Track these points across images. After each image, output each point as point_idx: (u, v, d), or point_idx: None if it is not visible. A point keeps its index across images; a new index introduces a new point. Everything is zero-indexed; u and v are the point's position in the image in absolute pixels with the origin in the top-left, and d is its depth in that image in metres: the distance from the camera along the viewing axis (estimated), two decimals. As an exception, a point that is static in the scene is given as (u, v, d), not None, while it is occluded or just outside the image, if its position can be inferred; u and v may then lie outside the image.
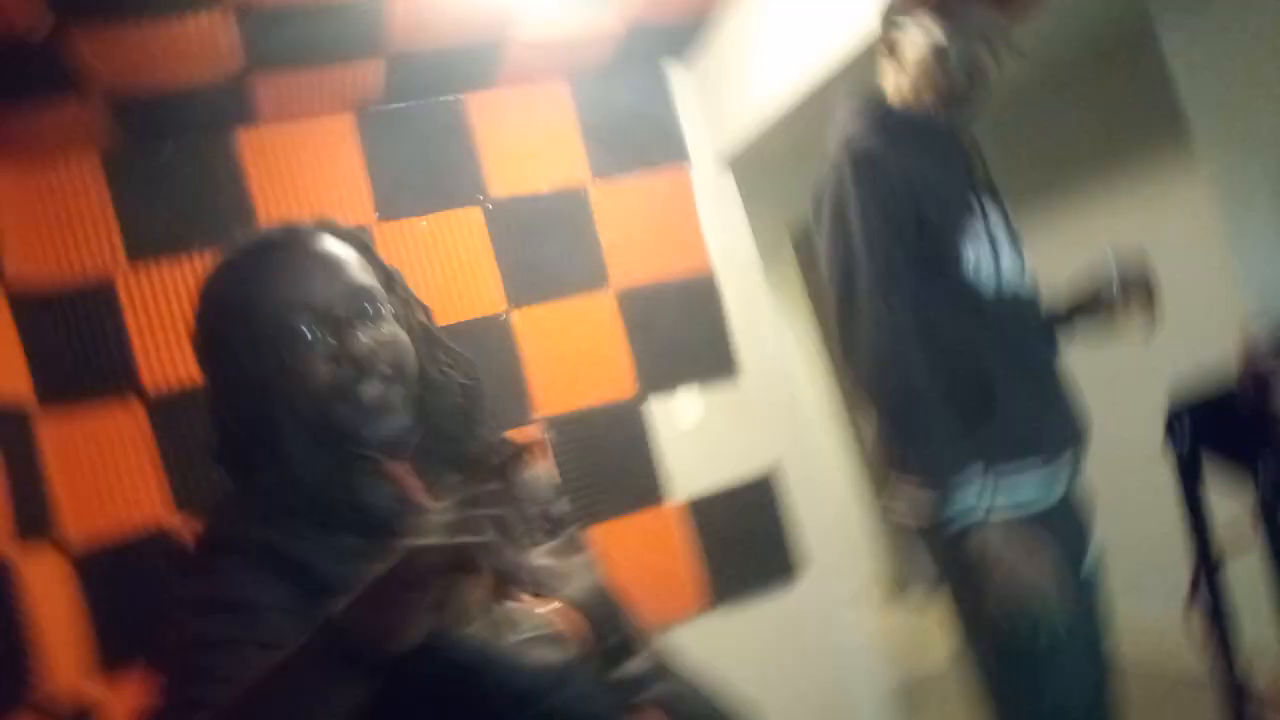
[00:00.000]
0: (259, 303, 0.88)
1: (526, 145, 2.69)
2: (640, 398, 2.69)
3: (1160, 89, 2.43)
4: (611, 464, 2.63)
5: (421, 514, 0.88)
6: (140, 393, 2.26)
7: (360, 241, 0.97)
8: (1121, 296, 1.37)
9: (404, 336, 0.93)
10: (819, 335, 4.82)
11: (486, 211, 2.62)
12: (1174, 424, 0.44)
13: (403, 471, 0.91)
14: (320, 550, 0.82)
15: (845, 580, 2.89)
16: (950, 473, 1.25)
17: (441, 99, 2.61)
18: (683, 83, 2.90)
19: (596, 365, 2.66)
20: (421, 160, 2.56)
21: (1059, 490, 1.35)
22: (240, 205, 2.39)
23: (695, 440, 2.74)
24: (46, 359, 2.18)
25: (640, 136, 2.81)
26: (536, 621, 0.86)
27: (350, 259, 0.93)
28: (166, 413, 2.26)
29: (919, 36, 1.36)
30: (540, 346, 2.62)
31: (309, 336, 0.86)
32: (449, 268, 2.57)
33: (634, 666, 0.93)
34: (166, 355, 2.28)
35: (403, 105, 2.56)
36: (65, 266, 2.23)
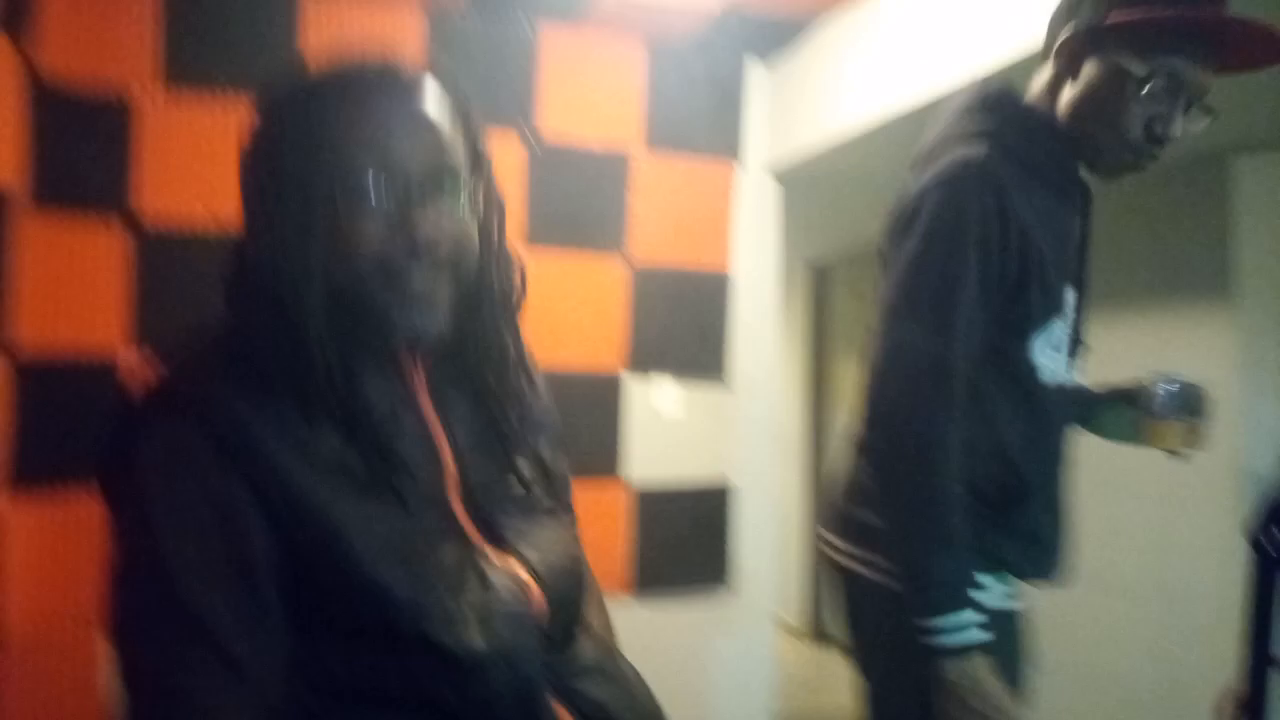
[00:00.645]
0: (329, 138, 0.74)
1: (587, 92, 2.62)
2: (626, 373, 2.65)
3: (1218, 230, 2.46)
4: (579, 427, 2.59)
5: (416, 424, 0.80)
6: (133, 219, 2.18)
7: (463, 107, 0.83)
8: (1169, 412, 1.30)
9: (472, 228, 0.81)
10: (813, 364, 4.80)
11: (526, 140, 2.55)
12: (1269, 523, 0.41)
13: (415, 374, 0.82)
14: (293, 443, 0.72)
15: (767, 603, 2.88)
16: (962, 586, 1.12)
17: (518, 20, 2.53)
18: (759, 81, 2.84)
19: (592, 329, 2.62)
20: (479, 69, 2.48)
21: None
22: (287, 57, 2.30)
23: (665, 430, 2.71)
24: (51, 159, 2.09)
25: (701, 121, 2.75)
26: (508, 585, 0.78)
27: (444, 124, 0.79)
28: (154, 246, 2.19)
29: (1112, 68, 1.15)
30: (540, 293, 2.55)
31: (372, 195, 0.74)
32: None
33: (580, 652, 0.86)
34: (169, 189, 2.20)
35: (479, 20, 2.49)
36: (96, 71, 2.14)
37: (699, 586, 2.74)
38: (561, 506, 0.92)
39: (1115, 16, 1.12)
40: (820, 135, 2.59)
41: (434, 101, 0.80)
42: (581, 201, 2.60)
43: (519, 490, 0.86)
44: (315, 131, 0.75)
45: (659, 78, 2.69)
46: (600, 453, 2.63)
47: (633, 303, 2.66)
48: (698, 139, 2.75)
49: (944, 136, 1.27)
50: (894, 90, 2.27)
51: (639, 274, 2.67)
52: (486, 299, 0.85)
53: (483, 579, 0.76)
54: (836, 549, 1.33)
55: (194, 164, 2.21)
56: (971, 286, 1.13)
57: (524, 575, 0.80)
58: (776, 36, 2.69)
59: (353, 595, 0.71)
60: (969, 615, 1.11)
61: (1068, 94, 1.20)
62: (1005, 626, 1.24)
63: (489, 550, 0.80)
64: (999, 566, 1.23)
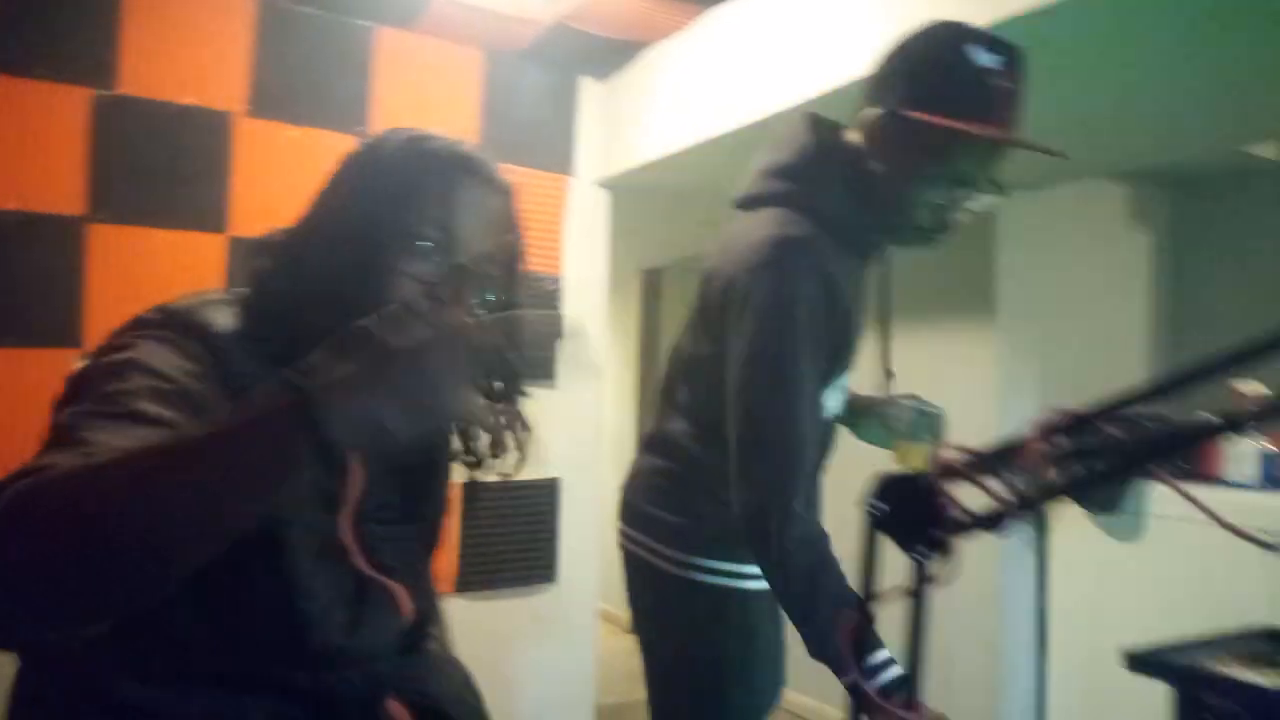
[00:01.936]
0: (417, 197, 0.84)
1: (422, 98, 2.67)
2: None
3: (986, 272, 2.81)
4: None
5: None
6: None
7: (510, 196, 0.95)
8: (912, 433, 1.45)
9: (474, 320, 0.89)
10: (640, 364, 5.00)
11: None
12: (876, 489, 0.53)
13: None
14: None
15: (590, 597, 3.02)
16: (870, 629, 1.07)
17: (352, 20, 2.55)
18: (589, 96, 2.98)
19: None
20: (312, 72, 2.49)
21: None
22: (103, 48, 2.24)
23: (493, 428, 2.79)
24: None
25: (534, 133, 2.86)
26: (379, 596, 0.84)
27: (507, 219, 0.93)
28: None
29: (908, 159, 1.24)
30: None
31: (427, 257, 0.83)
32: (306, 185, 2.49)
33: (422, 654, 0.96)
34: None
35: (311, 11, 2.49)
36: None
37: (525, 582, 2.84)
38: (432, 535, 1.05)
39: (912, 114, 1.20)
40: (652, 148, 2.75)
41: (504, 199, 0.93)
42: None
43: (402, 530, 0.95)
44: (413, 184, 0.85)
45: (493, 88, 2.78)
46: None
47: (464, 304, 2.73)
48: (531, 150, 2.85)
49: (765, 190, 1.35)
50: (720, 110, 2.46)
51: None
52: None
53: (360, 583, 0.84)
54: (628, 538, 1.47)
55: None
56: (806, 363, 1.24)
57: (395, 586, 0.86)
58: (607, 51, 2.83)
59: (265, 558, 0.79)
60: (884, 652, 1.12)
61: (870, 166, 1.28)
62: (775, 609, 1.42)
63: (368, 565, 0.86)
64: None
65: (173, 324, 0.79)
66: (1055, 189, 2.82)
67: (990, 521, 0.57)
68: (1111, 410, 0.56)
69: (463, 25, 2.61)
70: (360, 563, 0.85)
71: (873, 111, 1.27)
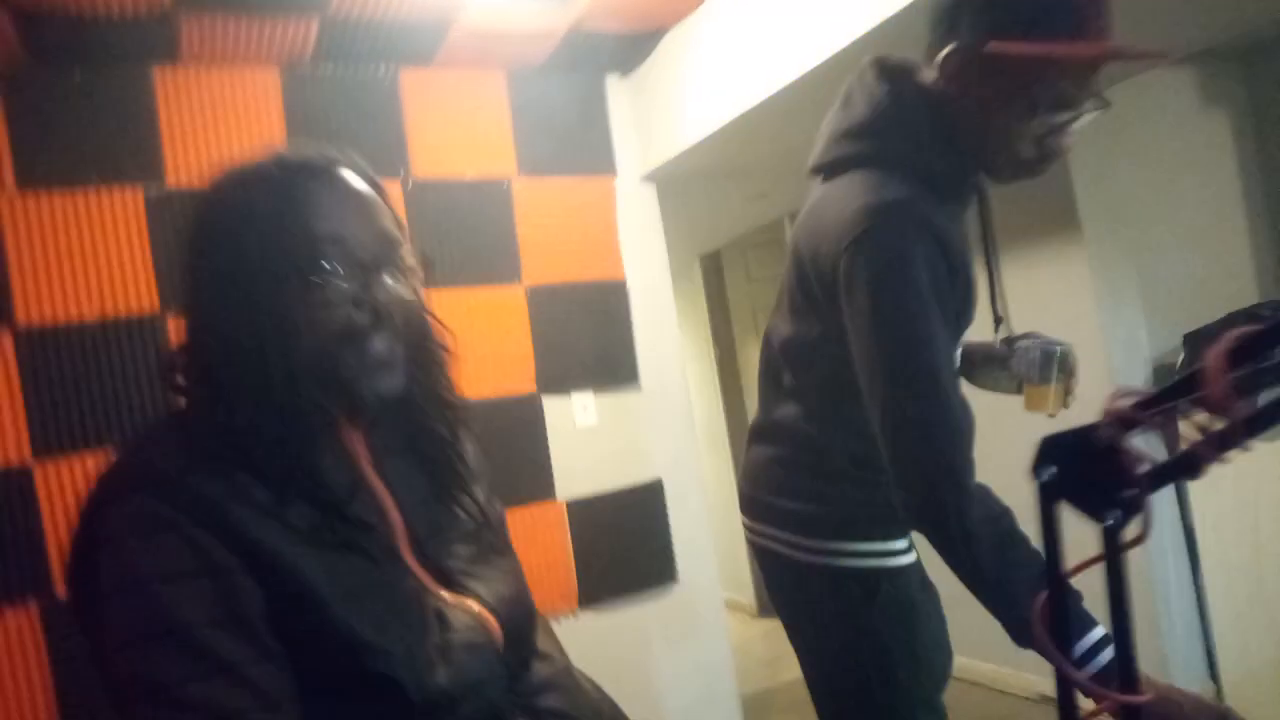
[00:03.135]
0: (291, 225, 0.80)
1: (456, 130, 2.67)
2: (539, 394, 2.71)
3: (1064, 187, 2.67)
4: (507, 456, 2.64)
5: (364, 488, 0.84)
6: (12, 324, 2.13)
7: (382, 191, 0.90)
8: (1040, 377, 1.34)
9: (413, 296, 0.87)
10: (715, 350, 4.94)
11: (406, 189, 2.59)
12: (1042, 453, 0.48)
13: (356, 441, 0.87)
14: (256, 509, 0.75)
15: (713, 589, 2.98)
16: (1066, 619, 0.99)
17: (374, 68, 2.56)
18: (618, 94, 2.94)
19: (499, 357, 2.67)
20: (345, 127, 2.51)
21: None
22: (147, 145, 2.29)
23: (587, 441, 2.78)
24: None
25: (570, 140, 2.84)
26: (466, 621, 0.84)
27: (377, 200, 0.87)
28: (37, 348, 2.14)
29: (998, 91, 1.14)
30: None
31: (338, 273, 0.80)
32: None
33: (537, 671, 0.92)
34: (45, 289, 2.16)
35: (333, 69, 2.51)
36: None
37: (647, 585, 2.82)
38: (501, 543, 0.98)
39: (994, 46, 1.10)
40: (688, 134, 2.70)
41: (363, 181, 0.87)
42: (468, 236, 2.65)
43: (464, 535, 0.92)
44: (276, 216, 0.80)
45: (521, 105, 2.76)
46: (533, 478, 2.68)
47: (533, 324, 2.72)
48: (572, 158, 2.83)
49: (845, 153, 1.24)
50: (749, 82, 2.39)
51: (534, 294, 2.73)
52: (429, 358, 0.91)
53: (442, 619, 0.82)
54: (756, 532, 1.42)
55: (63, 259, 2.18)
56: (938, 328, 1.14)
57: (479, 610, 0.86)
58: (626, 48, 2.79)
59: (326, 645, 0.75)
60: (1098, 631, 1.04)
61: (956, 107, 1.18)
62: (925, 579, 1.37)
63: (444, 593, 0.86)
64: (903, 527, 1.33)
65: (178, 505, 0.73)
66: (1119, 85, 2.66)
67: (1187, 468, 0.51)
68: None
69: (481, 51, 2.60)
70: (428, 582, 0.84)
71: (949, 47, 1.16)
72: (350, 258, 0.81)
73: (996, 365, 1.43)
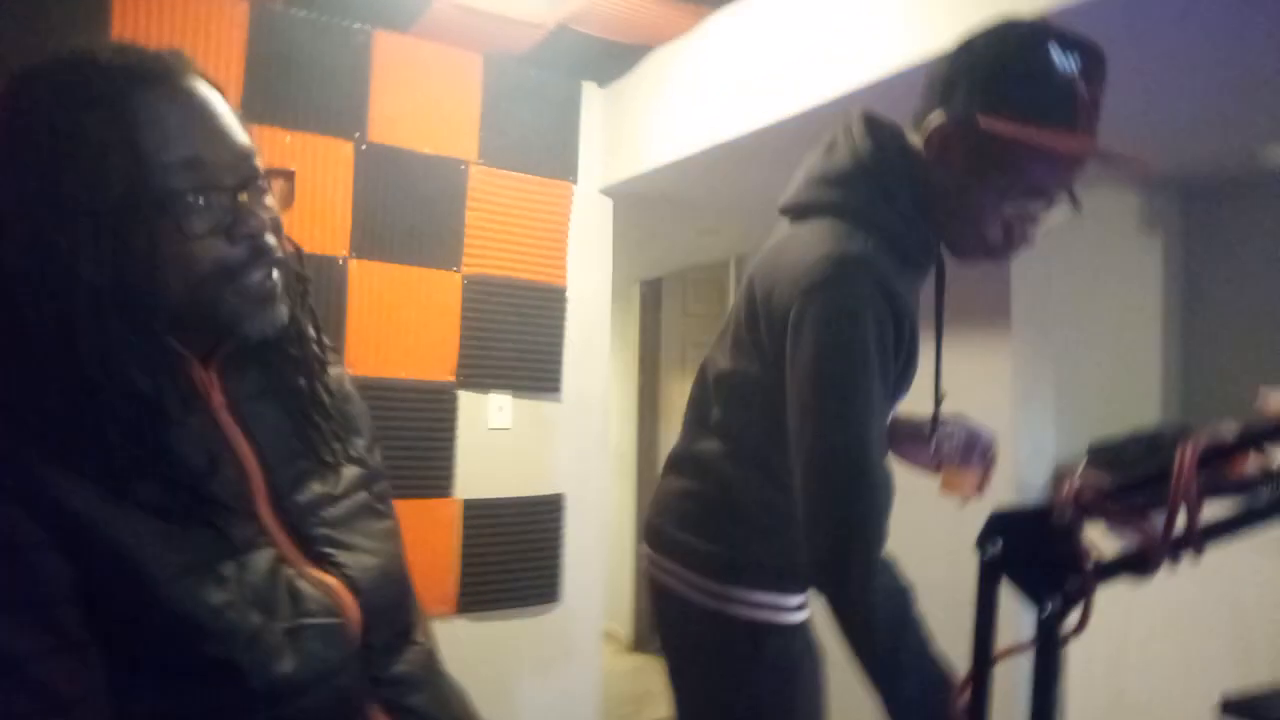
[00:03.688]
0: (140, 152, 0.67)
1: (422, 102, 2.59)
2: (456, 387, 2.63)
3: (1002, 280, 2.76)
4: (410, 444, 2.54)
5: (216, 439, 0.75)
6: None
7: (222, 91, 0.77)
8: (961, 457, 1.34)
9: (277, 213, 0.77)
10: (639, 378, 4.91)
11: (359, 151, 2.49)
12: (990, 527, 0.46)
13: (211, 385, 0.77)
14: (93, 489, 0.65)
15: (596, 617, 2.93)
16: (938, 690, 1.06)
17: (349, 24, 2.47)
18: (593, 102, 2.91)
19: (422, 341, 2.58)
20: (309, 76, 2.40)
21: None
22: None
23: (497, 444, 2.70)
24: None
25: (537, 138, 2.78)
26: (321, 601, 0.75)
27: (230, 110, 0.74)
28: None
29: (977, 168, 1.14)
30: (371, 304, 2.50)
31: (199, 205, 0.69)
32: (301, 194, 2.41)
33: (404, 663, 0.84)
34: None
35: (305, 15, 2.41)
36: None
37: (527, 602, 2.75)
38: (377, 500, 0.87)
39: (985, 122, 1.09)
40: (655, 155, 2.68)
41: (206, 84, 0.75)
42: (413, 212, 2.57)
43: (333, 492, 0.82)
44: (119, 143, 0.67)
45: (494, 93, 2.70)
46: (433, 472, 2.59)
47: (464, 314, 2.64)
48: (534, 156, 2.78)
49: (818, 199, 1.23)
50: (724, 118, 2.38)
51: (471, 284, 2.65)
52: (296, 288, 0.82)
53: (295, 597, 0.73)
54: (656, 564, 1.37)
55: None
56: (876, 392, 1.12)
57: (338, 585, 0.77)
58: (610, 57, 2.76)
59: (157, 627, 0.67)
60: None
61: (934, 176, 1.18)
62: (812, 642, 1.34)
63: (302, 561, 0.77)
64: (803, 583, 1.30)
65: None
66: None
67: (1139, 565, 0.48)
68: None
69: (463, 29, 2.53)
70: (285, 550, 0.75)
71: (938, 117, 1.15)
72: (211, 183, 0.70)
73: (920, 441, 1.41)
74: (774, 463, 1.21)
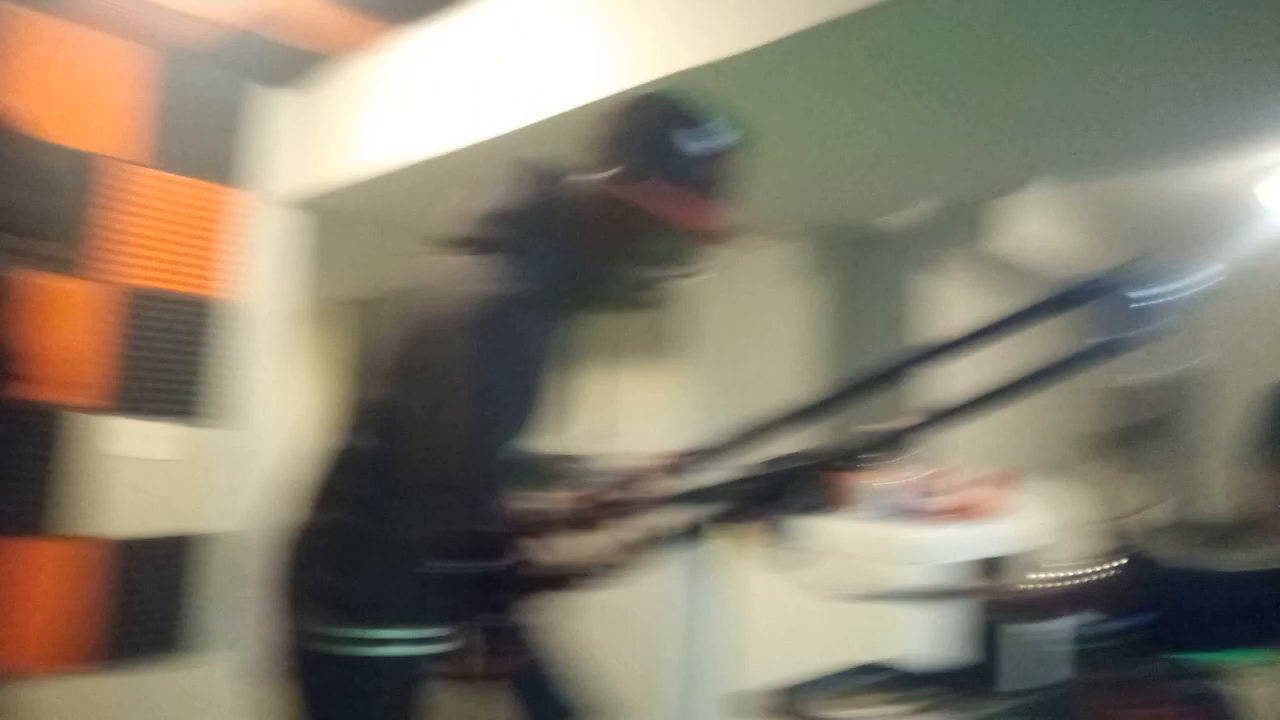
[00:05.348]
0: None
1: (78, 89, 2.33)
2: (94, 411, 2.35)
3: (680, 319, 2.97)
4: (31, 471, 2.23)
5: None
6: None
7: None
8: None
9: None
10: (322, 410, 4.66)
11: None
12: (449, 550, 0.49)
13: None
14: None
15: (234, 675, 2.51)
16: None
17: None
18: (281, 110, 2.75)
19: (58, 358, 2.28)
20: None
21: None
22: None
23: (143, 475, 2.43)
24: None
25: (199, 141, 2.58)
26: None
27: None
28: None
29: (636, 227, 1.21)
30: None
31: None
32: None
33: None
34: None
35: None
36: None
37: (162, 652, 2.46)
38: None
39: (613, 188, 1.18)
40: (351, 170, 2.58)
41: None
42: (49, 207, 2.28)
43: None
44: None
45: (161, 89, 2.49)
46: (58, 502, 2.28)
47: (113, 329, 2.38)
48: (194, 158, 2.57)
49: (481, 235, 1.26)
50: (419, 136, 2.34)
51: (123, 296, 2.40)
52: None
53: None
54: (294, 630, 1.29)
55: None
56: (500, 423, 1.16)
57: None
58: (297, 66, 2.63)
59: None
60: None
61: (582, 230, 1.24)
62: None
63: None
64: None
65: None
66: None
67: (563, 580, 0.53)
68: (730, 446, 0.53)
69: (128, 19, 2.31)
70: None
71: (580, 179, 1.23)
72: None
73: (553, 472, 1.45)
74: (397, 493, 1.21)
